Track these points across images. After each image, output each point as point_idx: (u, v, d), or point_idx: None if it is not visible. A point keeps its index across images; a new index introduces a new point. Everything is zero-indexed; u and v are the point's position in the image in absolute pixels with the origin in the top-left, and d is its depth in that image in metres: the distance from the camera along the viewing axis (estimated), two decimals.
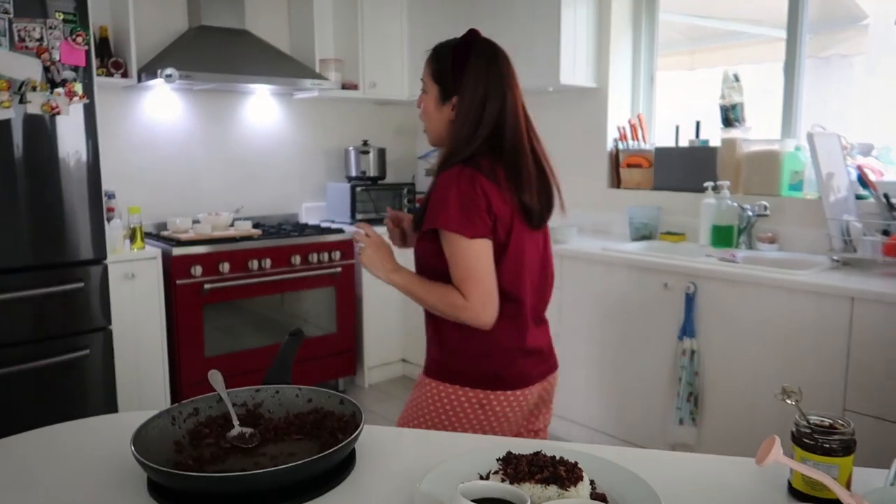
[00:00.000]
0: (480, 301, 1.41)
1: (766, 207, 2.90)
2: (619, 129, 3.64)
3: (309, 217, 4.32)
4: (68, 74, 2.57)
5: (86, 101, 2.62)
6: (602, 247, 3.10)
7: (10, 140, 2.47)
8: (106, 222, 3.09)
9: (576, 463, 0.89)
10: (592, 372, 3.11)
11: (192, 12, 3.73)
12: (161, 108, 3.74)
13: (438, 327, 1.55)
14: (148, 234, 3.53)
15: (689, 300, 2.70)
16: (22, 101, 2.47)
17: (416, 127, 4.75)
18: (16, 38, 2.45)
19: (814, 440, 0.88)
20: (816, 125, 2.77)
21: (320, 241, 3.69)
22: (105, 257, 2.74)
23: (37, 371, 2.55)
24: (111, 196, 3.33)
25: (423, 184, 4.66)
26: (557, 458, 0.90)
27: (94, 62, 2.69)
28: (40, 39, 2.50)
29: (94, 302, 2.73)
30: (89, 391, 2.73)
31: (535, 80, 3.57)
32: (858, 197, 2.75)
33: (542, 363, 1.59)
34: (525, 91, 3.98)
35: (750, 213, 2.98)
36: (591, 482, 0.91)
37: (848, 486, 0.89)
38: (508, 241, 1.46)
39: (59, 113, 2.55)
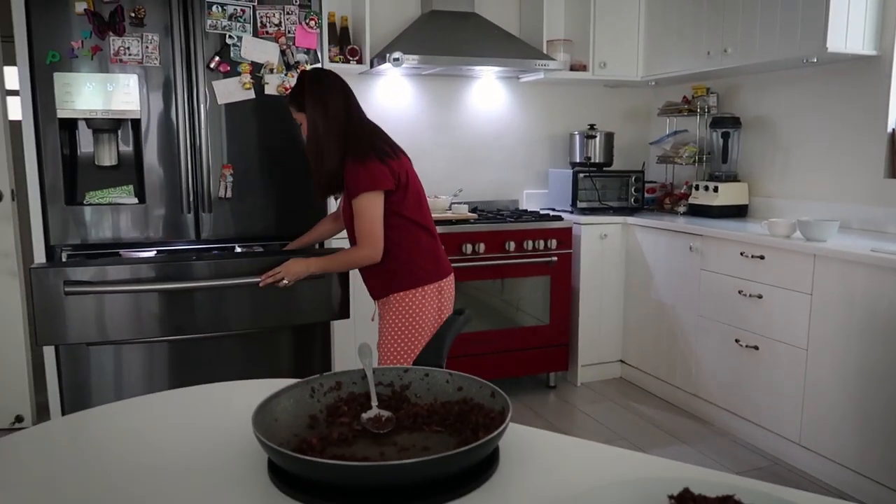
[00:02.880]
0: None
1: None
2: None
3: (529, 204, 4.19)
4: (301, 57, 2.72)
5: None
6: (871, 247, 2.53)
7: (249, 119, 2.68)
8: (334, 201, 3.26)
9: None
10: (848, 396, 2.56)
11: None
12: (393, 93, 3.87)
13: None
14: None
15: None
16: (260, 83, 2.66)
17: (650, 110, 4.38)
18: (258, 24, 2.64)
19: None
20: None
21: (536, 228, 3.54)
22: None
23: (262, 335, 2.74)
24: None
25: (655, 172, 4.29)
26: None
27: (326, 46, 2.82)
28: (279, 24, 2.67)
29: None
30: (309, 357, 2.88)
31: (793, 49, 3.03)
32: None
33: None
34: (778, 64, 3.44)
35: None
36: None
37: None
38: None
39: None
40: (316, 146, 2.13)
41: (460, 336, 3.43)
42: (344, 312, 2.58)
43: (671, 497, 0.67)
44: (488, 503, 0.78)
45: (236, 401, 1.05)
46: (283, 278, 2.23)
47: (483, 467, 0.84)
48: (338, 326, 2.97)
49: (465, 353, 3.46)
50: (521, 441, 0.93)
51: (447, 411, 0.95)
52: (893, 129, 3.02)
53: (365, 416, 0.94)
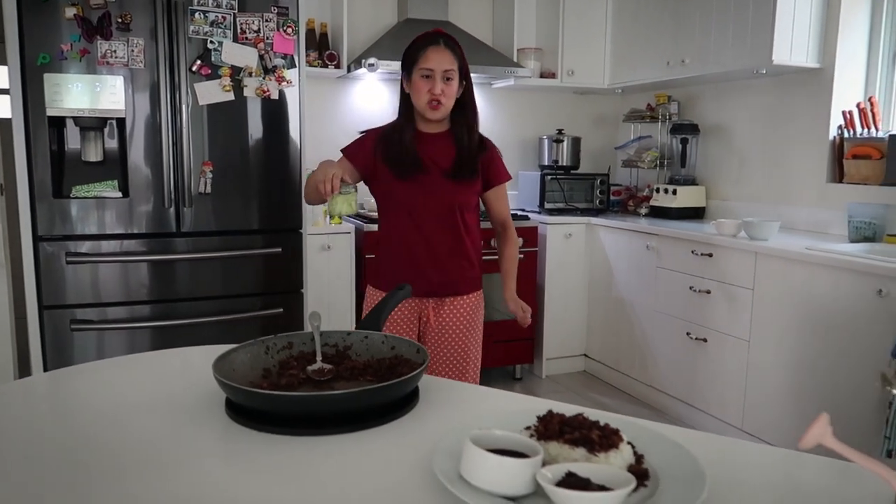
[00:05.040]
0: None
1: None
2: (844, 114, 3.17)
3: None
4: (279, 62, 2.89)
5: (292, 85, 2.93)
6: (806, 245, 2.73)
7: (228, 119, 2.85)
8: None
9: (616, 430, 0.80)
10: (785, 384, 2.76)
11: (401, 7, 3.98)
12: (369, 97, 4.04)
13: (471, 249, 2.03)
14: None
15: None
16: (239, 85, 2.83)
17: (617, 116, 4.58)
18: (238, 30, 2.81)
19: None
20: None
21: None
22: (300, 227, 3.03)
23: (238, 322, 2.91)
24: None
25: (620, 175, 4.49)
26: (601, 423, 0.82)
27: (303, 52, 2.98)
28: (258, 31, 2.84)
29: (290, 267, 3.03)
30: None
31: (743, 61, 3.24)
32: None
33: None
34: (731, 74, 3.64)
35: None
36: (640, 456, 0.81)
37: None
38: None
39: (269, 96, 2.88)
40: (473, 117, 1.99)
41: None
42: (298, 285, 3.05)
43: (538, 417, 0.84)
44: (404, 429, 0.96)
45: (198, 361, 1.22)
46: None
47: (404, 403, 1.01)
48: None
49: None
50: (442, 388, 1.11)
51: (380, 365, 1.13)
52: (835, 138, 3.24)
53: (310, 367, 1.11)
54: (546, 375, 3.98)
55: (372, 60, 3.48)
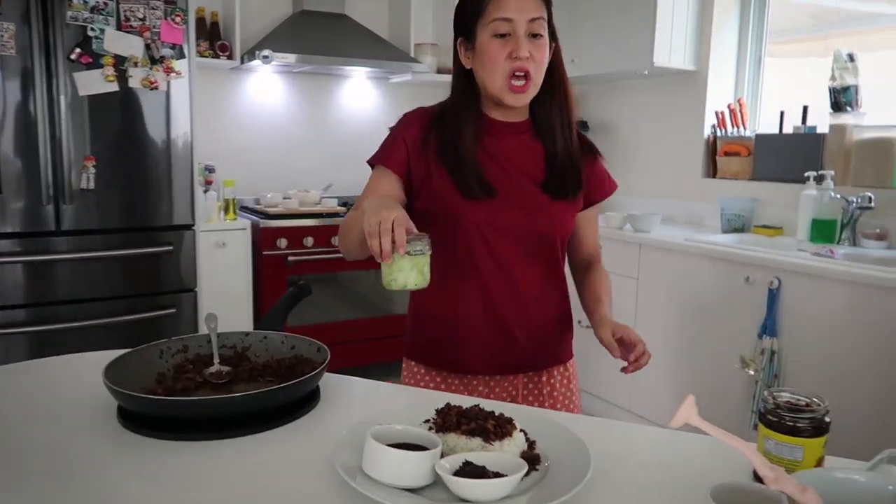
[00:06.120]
0: None
1: (870, 199, 2.62)
2: (717, 114, 3.42)
3: None
4: (167, 52, 2.77)
5: (182, 77, 2.82)
6: (684, 237, 2.93)
7: (112, 111, 2.71)
8: (202, 193, 3.32)
9: (510, 419, 0.85)
10: (668, 366, 2.96)
11: None
12: (264, 90, 3.95)
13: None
14: (244, 208, 3.74)
15: (772, 296, 2.49)
16: (124, 76, 2.69)
17: None
18: (122, 17, 2.67)
19: (777, 416, 0.78)
20: None
21: None
22: (194, 224, 2.93)
23: (127, 324, 2.78)
24: (211, 170, 3.56)
25: None
26: (496, 413, 0.87)
27: (193, 42, 2.88)
28: (143, 19, 2.71)
29: (182, 265, 2.93)
30: None
31: (628, 62, 3.42)
32: None
33: None
34: (617, 75, 3.81)
35: (853, 207, 2.70)
36: (532, 442, 0.87)
37: None
38: None
39: (156, 87, 2.76)
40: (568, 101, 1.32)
41: (335, 324, 3.59)
42: (191, 284, 2.97)
43: (436, 410, 0.88)
44: (306, 428, 0.97)
45: (87, 368, 1.17)
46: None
47: (305, 402, 1.02)
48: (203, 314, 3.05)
49: (342, 340, 3.60)
50: (342, 386, 1.13)
51: (280, 365, 1.13)
52: (709, 136, 3.48)
53: (207, 370, 1.10)
54: None
55: (266, 52, 3.40)
